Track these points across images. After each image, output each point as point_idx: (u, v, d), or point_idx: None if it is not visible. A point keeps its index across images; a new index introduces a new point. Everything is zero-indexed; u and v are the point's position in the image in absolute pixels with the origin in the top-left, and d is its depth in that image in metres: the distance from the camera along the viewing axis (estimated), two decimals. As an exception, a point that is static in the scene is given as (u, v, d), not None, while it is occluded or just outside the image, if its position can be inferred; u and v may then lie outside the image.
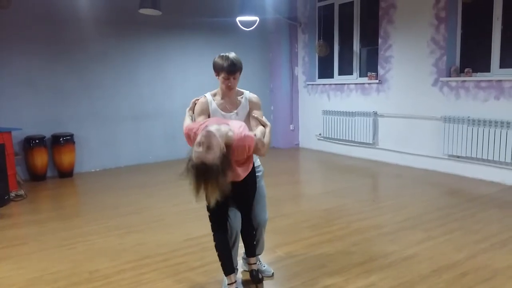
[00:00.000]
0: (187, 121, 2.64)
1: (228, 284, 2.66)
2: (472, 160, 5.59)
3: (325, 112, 7.76)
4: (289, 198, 4.99)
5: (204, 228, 3.78)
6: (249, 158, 2.47)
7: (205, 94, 2.70)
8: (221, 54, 2.60)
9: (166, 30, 7.22)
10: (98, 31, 6.63)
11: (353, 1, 7.22)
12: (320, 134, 8.01)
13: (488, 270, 2.95)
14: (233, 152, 2.29)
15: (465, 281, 2.79)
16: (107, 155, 6.91)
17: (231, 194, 2.44)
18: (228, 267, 2.66)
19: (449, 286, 2.73)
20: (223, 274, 2.72)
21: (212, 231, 2.66)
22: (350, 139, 7.33)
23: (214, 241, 2.66)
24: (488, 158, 5.35)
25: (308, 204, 4.79)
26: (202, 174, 2.11)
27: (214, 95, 2.70)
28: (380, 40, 6.66)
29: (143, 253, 3.39)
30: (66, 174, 6.35)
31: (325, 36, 7.72)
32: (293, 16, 8.23)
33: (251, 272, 2.82)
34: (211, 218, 2.65)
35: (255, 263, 2.84)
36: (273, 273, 2.96)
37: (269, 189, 4.98)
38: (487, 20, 5.42)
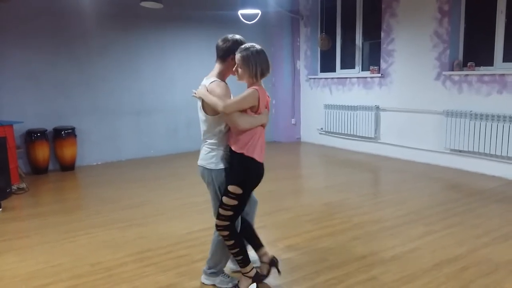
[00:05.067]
0: (248, 118, 2.44)
1: (251, 271, 2.63)
2: (474, 155, 5.58)
3: (327, 106, 7.74)
4: (290, 192, 4.99)
5: (205, 222, 3.80)
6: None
7: (216, 79, 2.51)
8: (234, 37, 2.54)
9: (168, 23, 7.20)
10: (99, 24, 6.61)
11: (355, -6, 7.18)
12: (321, 128, 8.00)
13: (489, 264, 2.95)
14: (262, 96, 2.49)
15: (466, 275, 2.79)
16: (108, 149, 6.92)
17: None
18: (248, 257, 2.64)
19: (450, 280, 2.73)
20: (221, 277, 2.73)
21: (229, 229, 2.51)
22: (352, 133, 7.32)
23: (233, 238, 2.53)
24: (490, 153, 5.34)
25: (309, 198, 4.79)
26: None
27: (216, 77, 2.55)
28: (382, 34, 6.62)
29: (144, 246, 3.40)
30: (67, 167, 6.36)
31: (327, 29, 7.68)
32: (295, 9, 8.19)
33: (272, 260, 2.74)
34: (239, 210, 2.51)
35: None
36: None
37: (270, 183, 5.03)
38: (491, 13, 5.38)
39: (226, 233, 2.52)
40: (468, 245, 3.27)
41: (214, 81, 2.50)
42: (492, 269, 2.88)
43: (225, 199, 2.47)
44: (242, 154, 2.45)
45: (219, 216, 2.51)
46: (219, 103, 2.37)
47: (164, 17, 7.06)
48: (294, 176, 5.94)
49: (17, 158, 5.62)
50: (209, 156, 2.55)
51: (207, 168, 2.56)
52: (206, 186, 2.66)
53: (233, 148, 2.48)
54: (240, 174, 2.47)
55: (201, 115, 2.57)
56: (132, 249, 3.34)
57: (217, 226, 2.54)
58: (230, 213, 2.48)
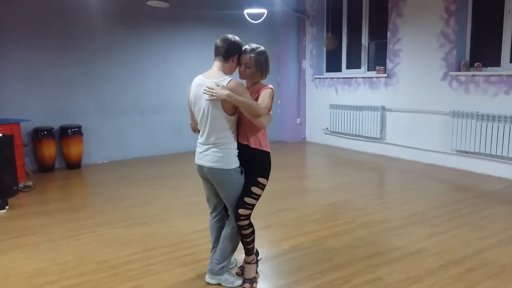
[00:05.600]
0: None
1: (254, 258, 2.81)
2: (480, 156, 5.55)
3: (333, 106, 7.72)
4: (295, 192, 4.99)
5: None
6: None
7: (231, 78, 2.51)
8: (235, 38, 2.59)
9: (173, 22, 7.21)
10: (105, 23, 6.64)
11: (362, -6, 7.15)
12: (327, 128, 7.98)
13: (496, 265, 2.93)
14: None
15: (472, 277, 2.78)
16: (114, 147, 6.95)
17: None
18: None
19: (456, 281, 2.72)
20: (229, 275, 2.75)
21: (250, 218, 2.67)
22: (357, 133, 7.30)
23: (252, 226, 2.70)
24: (497, 154, 5.30)
25: (314, 198, 4.79)
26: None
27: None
28: (389, 34, 6.60)
29: (150, 245, 3.41)
30: (74, 165, 6.39)
31: (333, 29, 7.66)
32: (301, 8, 8.18)
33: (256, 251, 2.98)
34: (255, 203, 2.66)
35: None
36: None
37: (275, 183, 5.02)
38: (498, 13, 5.34)
39: (247, 221, 2.66)
40: (474, 247, 3.25)
41: (231, 79, 2.50)
42: (498, 270, 2.86)
43: (255, 189, 2.61)
44: (267, 151, 2.67)
45: (245, 206, 2.61)
46: (259, 106, 2.45)
47: (170, 17, 7.08)
48: (299, 176, 5.94)
49: (24, 156, 5.66)
50: (225, 157, 2.55)
51: (224, 169, 2.55)
52: (215, 186, 2.67)
53: (259, 148, 2.62)
54: (267, 168, 2.68)
55: (219, 114, 2.49)
56: (137, 248, 3.36)
57: (240, 216, 2.61)
58: (255, 201, 2.65)
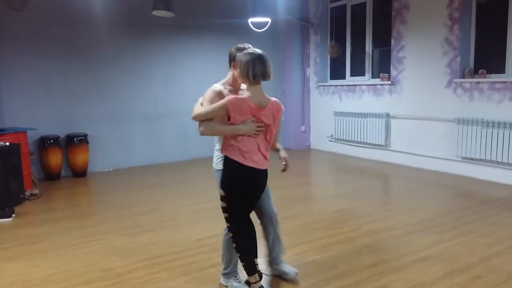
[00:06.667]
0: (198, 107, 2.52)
1: (255, 283, 2.60)
2: (486, 163, 5.52)
3: (337, 114, 7.73)
4: (300, 200, 4.98)
5: (215, 229, 3.80)
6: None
7: (214, 85, 2.63)
8: (242, 45, 2.64)
9: (179, 31, 7.28)
10: (112, 32, 6.71)
11: (365, 2, 7.18)
12: (331, 136, 7.98)
13: (502, 273, 2.91)
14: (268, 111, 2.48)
15: (478, 284, 2.76)
16: (120, 155, 6.99)
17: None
18: (253, 267, 2.60)
19: (461, 289, 2.70)
20: (233, 280, 2.74)
21: (232, 231, 2.57)
22: (362, 140, 7.29)
23: (235, 242, 2.56)
24: (503, 161, 5.27)
25: (319, 205, 4.78)
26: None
27: (223, 84, 2.68)
28: (392, 41, 6.61)
29: (154, 253, 3.42)
30: (79, 173, 6.43)
31: (337, 37, 7.69)
32: (305, 17, 8.22)
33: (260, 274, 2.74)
34: (231, 212, 2.54)
35: None
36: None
37: (280, 190, 5.02)
38: (502, 20, 5.34)
39: (230, 234, 2.61)
40: (480, 254, 3.23)
41: (211, 87, 2.61)
42: (505, 278, 2.84)
43: (220, 202, 2.57)
44: (225, 156, 2.51)
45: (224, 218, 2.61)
46: (193, 111, 2.51)
47: (175, 26, 7.14)
48: (304, 183, 5.93)
49: (30, 164, 5.69)
50: (216, 158, 2.71)
51: (214, 169, 2.72)
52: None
53: (223, 152, 2.52)
54: (223, 176, 2.53)
55: None
56: (142, 255, 3.36)
57: (225, 228, 2.65)
58: (225, 214, 2.58)
